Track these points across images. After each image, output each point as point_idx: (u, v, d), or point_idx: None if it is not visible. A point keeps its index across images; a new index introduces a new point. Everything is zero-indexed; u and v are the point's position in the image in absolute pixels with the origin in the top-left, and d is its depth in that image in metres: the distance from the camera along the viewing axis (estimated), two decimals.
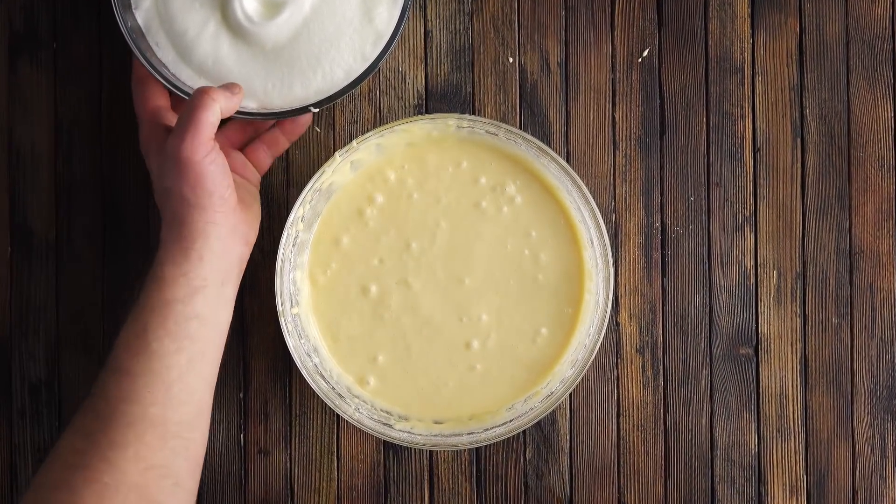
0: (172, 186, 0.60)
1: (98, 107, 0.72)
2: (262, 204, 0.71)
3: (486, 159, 0.69)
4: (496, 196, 0.69)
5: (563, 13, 0.72)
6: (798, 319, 0.72)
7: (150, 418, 0.58)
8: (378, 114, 0.72)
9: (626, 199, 0.72)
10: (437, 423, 0.69)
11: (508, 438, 0.70)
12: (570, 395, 0.71)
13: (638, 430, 0.71)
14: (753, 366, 0.72)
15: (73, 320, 0.72)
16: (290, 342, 0.66)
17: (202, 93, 0.60)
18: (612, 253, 0.70)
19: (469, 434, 0.67)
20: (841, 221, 0.72)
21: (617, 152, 0.72)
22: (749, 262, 0.72)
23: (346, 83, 0.66)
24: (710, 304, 0.72)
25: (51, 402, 0.71)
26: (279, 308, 0.66)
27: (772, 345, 0.72)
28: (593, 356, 0.67)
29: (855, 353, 0.72)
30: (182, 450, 0.59)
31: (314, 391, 0.66)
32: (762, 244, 0.72)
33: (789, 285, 0.72)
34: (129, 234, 0.72)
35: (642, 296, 0.72)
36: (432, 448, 0.67)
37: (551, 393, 0.67)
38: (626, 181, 0.72)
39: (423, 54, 0.72)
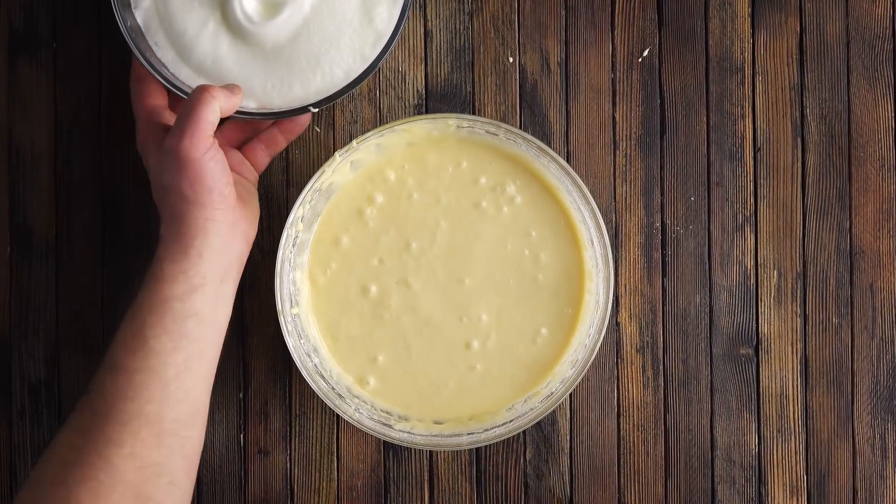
0: (171, 183, 0.60)
1: (98, 106, 0.72)
2: (261, 204, 0.71)
3: (486, 159, 0.69)
4: (496, 196, 0.69)
5: (564, 13, 0.72)
6: (798, 319, 0.72)
7: (146, 416, 0.58)
8: (378, 114, 0.72)
9: (626, 198, 0.72)
10: (437, 423, 0.69)
11: (508, 439, 0.70)
12: (571, 395, 0.71)
13: (638, 430, 0.71)
14: (754, 366, 0.71)
15: (73, 320, 0.71)
16: (290, 342, 0.66)
17: (202, 90, 0.60)
18: (613, 253, 0.70)
19: (469, 434, 0.67)
20: (841, 221, 0.72)
21: (617, 152, 0.72)
22: (749, 262, 0.72)
23: (345, 83, 0.66)
24: (710, 304, 0.72)
25: (50, 402, 0.71)
26: (279, 308, 0.66)
27: (772, 345, 0.71)
28: (593, 356, 0.67)
29: (855, 353, 0.72)
30: (178, 448, 0.59)
31: (314, 391, 0.66)
32: (762, 244, 0.72)
33: (790, 285, 0.72)
34: (128, 234, 0.72)
35: (642, 296, 0.72)
36: (432, 448, 0.67)
37: (551, 393, 0.67)
38: (626, 181, 0.72)
39: (423, 54, 0.72)
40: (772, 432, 0.71)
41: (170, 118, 0.65)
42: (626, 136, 0.72)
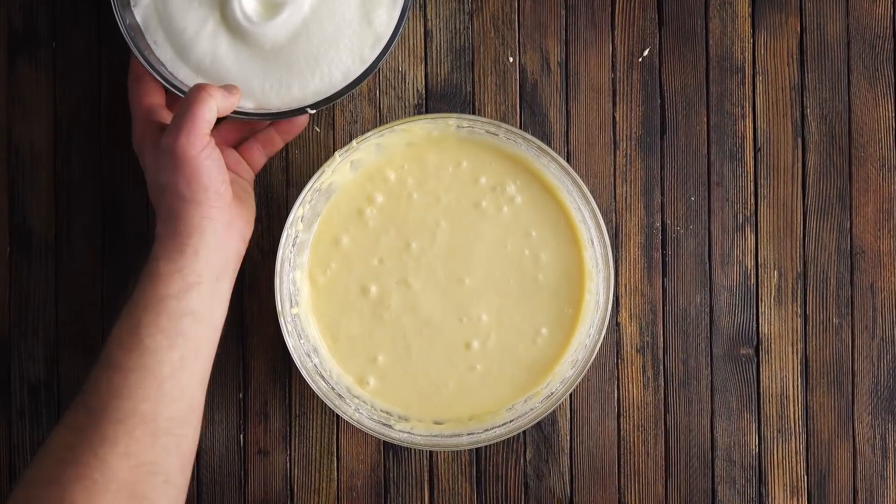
0: (168, 182, 0.60)
1: (97, 106, 0.72)
2: (261, 204, 0.71)
3: (486, 159, 0.69)
4: (496, 196, 0.69)
5: (564, 13, 0.72)
6: (799, 319, 0.72)
7: (140, 414, 0.58)
8: (378, 113, 0.72)
9: (626, 198, 0.72)
10: (437, 423, 0.68)
11: (508, 439, 0.70)
12: (571, 395, 0.71)
13: (638, 430, 0.71)
14: (754, 366, 0.71)
15: (73, 320, 0.71)
16: (290, 342, 0.66)
17: (199, 89, 0.60)
18: (613, 253, 0.70)
19: (469, 434, 0.67)
20: (842, 221, 0.72)
21: (617, 152, 0.72)
22: (750, 262, 0.72)
23: (343, 85, 0.66)
24: (710, 304, 0.72)
25: (50, 402, 0.71)
26: (279, 308, 0.66)
27: (772, 345, 0.71)
28: (594, 356, 0.66)
29: (856, 353, 0.72)
30: (173, 447, 0.59)
31: (314, 391, 0.66)
32: (763, 244, 0.72)
33: (790, 285, 0.71)
34: (128, 234, 0.71)
35: (643, 296, 0.71)
36: (432, 448, 0.67)
37: (551, 393, 0.67)
38: (626, 181, 0.72)
39: (423, 54, 0.72)
40: (772, 432, 0.71)
41: (167, 117, 0.65)
42: (627, 135, 0.72)
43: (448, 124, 0.67)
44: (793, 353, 0.71)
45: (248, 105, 0.66)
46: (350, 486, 0.71)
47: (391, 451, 0.71)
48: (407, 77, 0.72)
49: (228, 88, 0.62)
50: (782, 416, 0.71)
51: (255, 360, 0.71)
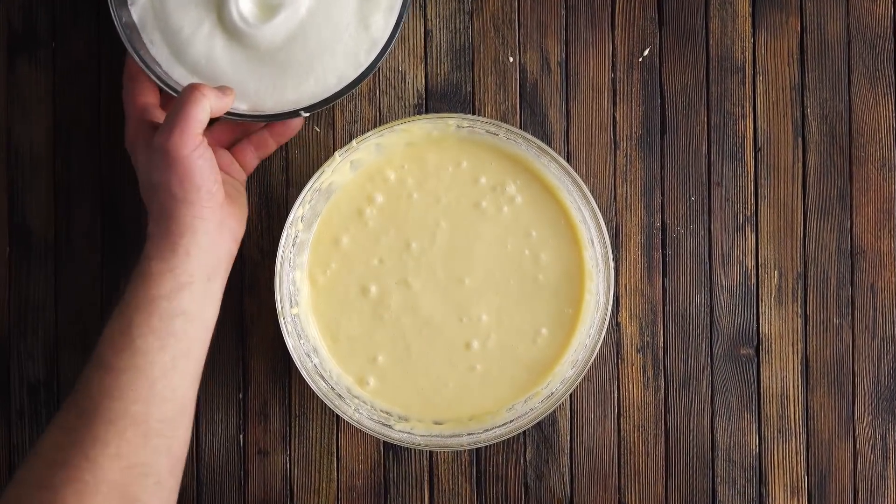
0: (160, 181, 0.60)
1: (97, 106, 0.72)
2: (261, 204, 0.71)
3: (486, 159, 0.69)
4: (496, 196, 0.69)
5: (564, 12, 0.72)
6: (799, 320, 0.71)
7: (132, 415, 0.58)
8: (378, 113, 0.72)
9: (626, 198, 0.72)
10: (437, 423, 0.68)
11: (509, 439, 0.70)
12: (571, 395, 0.71)
13: (638, 430, 0.71)
14: (754, 366, 0.71)
15: (72, 320, 0.71)
16: (290, 342, 0.66)
17: (193, 88, 0.60)
18: (613, 253, 0.70)
19: (469, 435, 0.67)
20: (842, 221, 0.72)
21: (617, 152, 0.72)
22: (750, 262, 0.72)
23: (338, 88, 0.65)
24: (710, 304, 0.71)
25: (49, 402, 0.71)
26: (279, 308, 0.66)
27: (773, 345, 0.71)
28: (594, 356, 0.66)
29: (856, 353, 0.71)
30: (164, 448, 0.59)
31: (314, 392, 0.66)
32: (763, 244, 0.72)
33: (790, 285, 0.71)
34: (127, 234, 0.71)
35: (643, 296, 0.71)
36: (432, 449, 0.67)
37: (552, 393, 0.67)
38: (626, 181, 0.72)
39: (423, 53, 0.72)
40: (772, 433, 0.71)
41: (160, 116, 0.65)
42: (627, 135, 0.72)
43: (448, 124, 0.67)
44: (793, 353, 0.71)
45: (242, 107, 0.66)
46: (350, 486, 0.71)
47: (391, 452, 0.71)
48: (407, 77, 0.72)
49: (222, 89, 0.62)
50: (783, 416, 0.71)
51: (255, 361, 0.71)
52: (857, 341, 0.71)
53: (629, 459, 0.71)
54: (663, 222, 0.72)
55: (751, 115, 0.72)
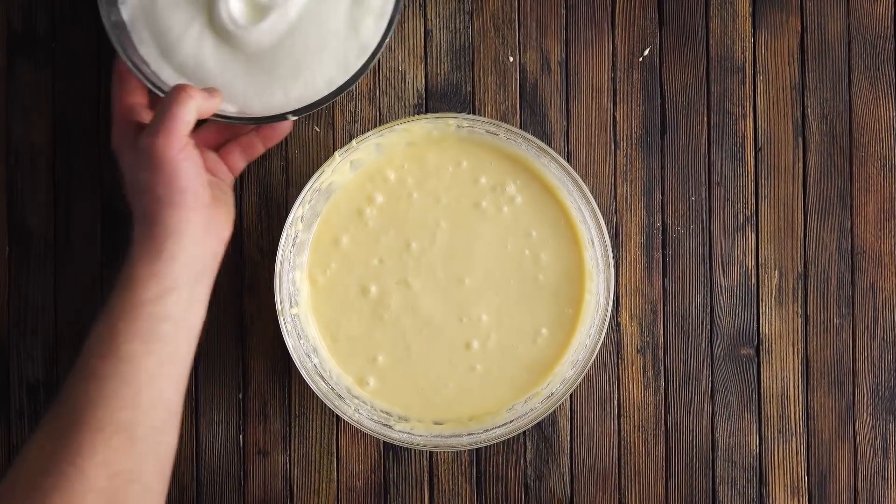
0: (145, 182, 0.59)
1: (97, 106, 0.72)
2: (261, 204, 0.71)
3: (486, 159, 0.69)
4: (496, 196, 0.69)
5: (564, 12, 0.72)
6: (799, 320, 0.71)
7: (117, 423, 0.57)
8: (378, 113, 0.72)
9: (626, 198, 0.72)
10: (436, 423, 0.68)
11: (509, 439, 0.70)
12: (571, 395, 0.71)
13: (639, 430, 0.71)
14: (755, 366, 0.71)
15: (72, 320, 0.71)
16: (290, 342, 0.66)
17: (180, 89, 0.59)
18: (613, 253, 0.70)
19: (469, 435, 0.67)
20: (842, 221, 0.72)
21: (618, 152, 0.72)
22: (750, 262, 0.71)
23: (327, 92, 0.65)
24: (711, 304, 0.71)
25: (49, 402, 0.71)
26: (278, 308, 0.66)
27: (773, 345, 0.71)
28: (594, 357, 0.66)
29: (856, 353, 0.71)
30: (151, 453, 0.58)
31: (314, 392, 0.66)
32: (763, 244, 0.72)
33: (791, 285, 0.71)
34: (128, 234, 0.71)
35: (643, 296, 0.71)
36: (432, 449, 0.67)
37: (552, 394, 0.67)
38: (626, 181, 0.72)
39: (422, 53, 0.72)
40: (773, 433, 0.71)
41: (147, 117, 0.64)
42: (627, 135, 0.72)
43: (448, 124, 0.67)
44: (793, 353, 0.71)
45: (230, 109, 0.66)
46: (350, 486, 0.71)
47: (391, 452, 0.71)
48: (407, 77, 0.72)
49: (210, 91, 0.62)
50: (783, 416, 0.71)
51: (255, 361, 0.71)
52: (857, 341, 0.71)
53: (629, 460, 0.71)
54: (663, 222, 0.72)
55: (751, 114, 0.72)
